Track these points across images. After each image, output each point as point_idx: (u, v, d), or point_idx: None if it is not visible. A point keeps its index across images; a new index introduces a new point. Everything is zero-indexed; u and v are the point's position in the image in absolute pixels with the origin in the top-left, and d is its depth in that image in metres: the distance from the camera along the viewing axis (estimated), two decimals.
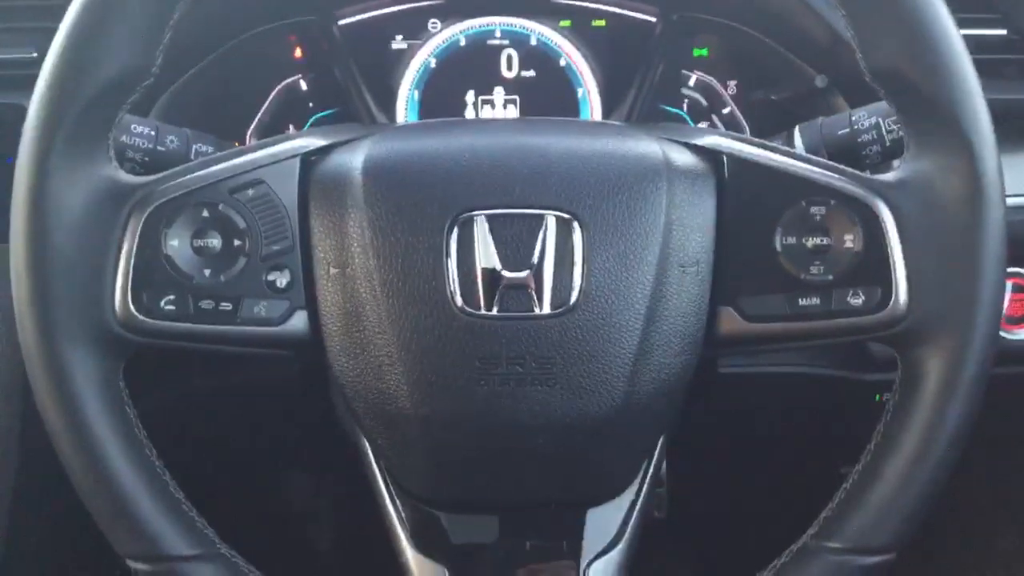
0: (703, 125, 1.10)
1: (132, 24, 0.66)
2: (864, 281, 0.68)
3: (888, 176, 0.69)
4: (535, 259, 0.67)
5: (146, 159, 0.84)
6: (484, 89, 1.09)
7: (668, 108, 1.10)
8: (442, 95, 1.09)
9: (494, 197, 0.68)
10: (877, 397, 1.03)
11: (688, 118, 1.10)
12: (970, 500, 1.31)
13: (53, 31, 0.66)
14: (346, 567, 1.50)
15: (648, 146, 0.72)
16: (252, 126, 1.08)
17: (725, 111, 1.09)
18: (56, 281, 0.65)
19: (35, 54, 0.95)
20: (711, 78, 1.09)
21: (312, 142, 0.73)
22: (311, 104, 1.09)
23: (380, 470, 0.78)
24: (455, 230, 0.67)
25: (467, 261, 0.67)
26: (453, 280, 0.67)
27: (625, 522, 0.77)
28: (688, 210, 0.70)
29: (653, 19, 1.08)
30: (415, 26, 1.08)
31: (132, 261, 0.67)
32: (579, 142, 0.72)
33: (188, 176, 0.69)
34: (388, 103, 1.08)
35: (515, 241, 0.67)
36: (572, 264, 0.67)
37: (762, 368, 1.02)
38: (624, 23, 1.08)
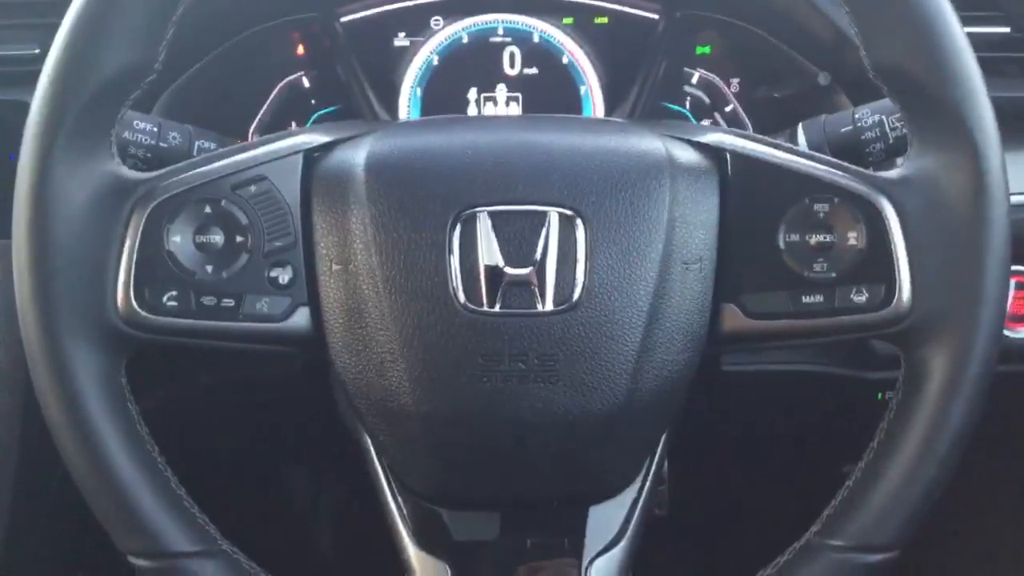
0: (706, 123, 1.10)
1: (134, 21, 0.66)
2: (867, 278, 0.68)
3: (891, 173, 0.69)
4: (538, 256, 0.67)
5: (148, 155, 0.84)
6: (486, 86, 1.09)
7: (671, 106, 1.10)
8: (444, 92, 1.09)
9: (497, 194, 0.68)
10: (880, 395, 1.03)
11: (691, 116, 1.10)
12: (971, 498, 1.30)
13: (55, 27, 0.66)
14: (348, 564, 1.50)
15: (651, 143, 0.72)
16: (254, 123, 1.08)
17: (728, 109, 1.09)
18: (58, 277, 0.65)
19: (38, 50, 0.95)
20: (714, 75, 1.09)
21: (314, 138, 0.73)
22: (313, 101, 1.09)
23: (382, 467, 0.78)
24: (458, 227, 0.67)
25: (470, 258, 0.67)
26: (455, 277, 0.67)
27: (627, 519, 0.77)
28: (691, 207, 0.70)
29: (656, 16, 1.07)
30: (417, 23, 1.08)
31: (134, 257, 0.67)
32: (582, 139, 0.72)
33: (190, 172, 0.69)
34: (390, 100, 1.08)
35: (518, 238, 0.67)
36: (575, 261, 0.67)
37: (764, 366, 1.02)
38: (627, 20, 1.08)
